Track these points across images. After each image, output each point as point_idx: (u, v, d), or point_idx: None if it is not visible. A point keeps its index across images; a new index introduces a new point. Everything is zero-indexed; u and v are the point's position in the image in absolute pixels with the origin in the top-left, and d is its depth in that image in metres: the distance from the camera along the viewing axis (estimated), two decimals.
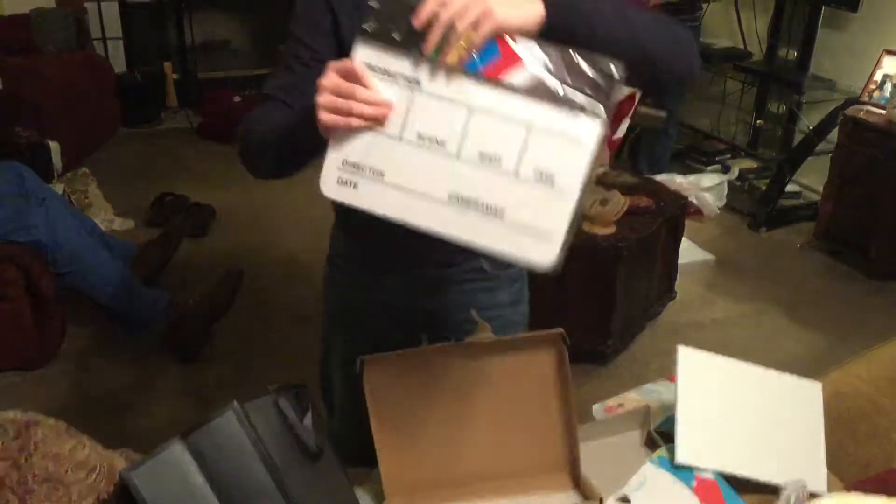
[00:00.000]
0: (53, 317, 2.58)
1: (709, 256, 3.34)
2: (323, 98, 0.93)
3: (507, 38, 0.94)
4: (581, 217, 0.97)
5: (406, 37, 0.95)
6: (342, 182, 0.99)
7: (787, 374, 1.26)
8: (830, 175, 3.35)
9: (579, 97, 0.94)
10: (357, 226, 1.34)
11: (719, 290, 3.15)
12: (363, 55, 0.96)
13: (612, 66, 0.93)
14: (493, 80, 0.95)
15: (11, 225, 2.49)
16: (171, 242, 3.06)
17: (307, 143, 1.03)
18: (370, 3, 0.94)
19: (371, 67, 0.96)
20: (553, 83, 0.94)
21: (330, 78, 0.94)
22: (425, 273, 1.33)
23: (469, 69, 0.95)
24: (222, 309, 2.76)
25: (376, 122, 0.95)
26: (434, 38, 0.92)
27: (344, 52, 1.04)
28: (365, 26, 0.95)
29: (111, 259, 2.67)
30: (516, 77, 0.95)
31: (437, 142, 0.97)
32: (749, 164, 4.06)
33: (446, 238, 0.98)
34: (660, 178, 3.62)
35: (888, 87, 3.23)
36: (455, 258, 1.33)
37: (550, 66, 0.94)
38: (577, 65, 0.94)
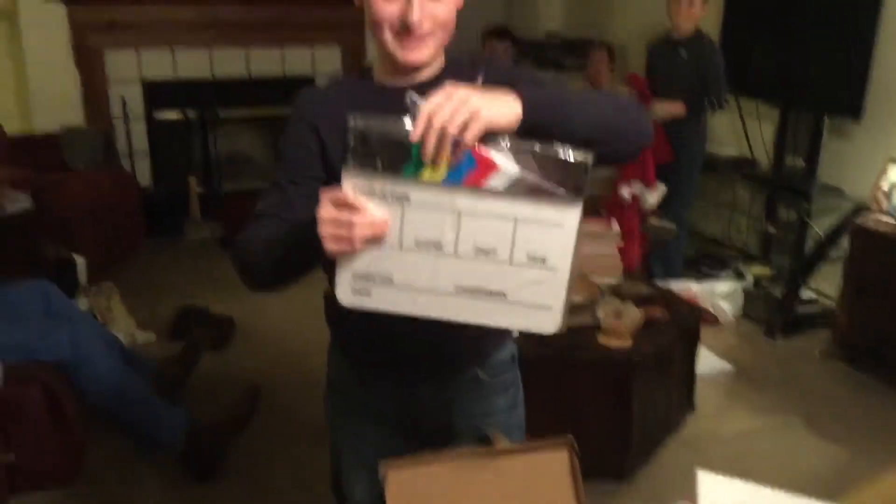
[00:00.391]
0: (76, 437, 2.59)
1: (727, 366, 3.34)
2: (324, 230, 1.03)
3: (480, 148, 1.03)
4: (575, 282, 1.08)
5: (387, 160, 1.03)
6: (356, 291, 1.11)
7: (812, 501, 1.25)
8: (844, 284, 3.37)
9: (556, 188, 1.03)
10: (354, 345, 1.43)
11: (739, 400, 3.13)
12: (352, 182, 1.04)
13: (581, 154, 1.03)
14: (475, 187, 1.04)
15: (36, 344, 2.54)
16: (190, 359, 3.09)
17: (305, 259, 1.17)
18: (350, 126, 1.02)
19: (361, 191, 1.05)
20: (530, 180, 1.03)
21: (327, 210, 1.03)
22: (423, 387, 1.39)
23: (451, 180, 1.04)
24: (240, 426, 2.77)
25: (377, 240, 1.05)
26: (429, 145, 1.00)
27: (330, 168, 1.24)
28: (348, 155, 1.03)
29: (133, 378, 2.69)
30: (495, 181, 1.03)
31: (434, 245, 1.07)
32: (762, 270, 4.09)
33: (460, 322, 1.10)
34: (674, 285, 3.66)
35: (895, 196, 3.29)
36: (451, 371, 1.39)
37: (524, 163, 1.03)
38: (548, 157, 1.03)
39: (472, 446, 1.30)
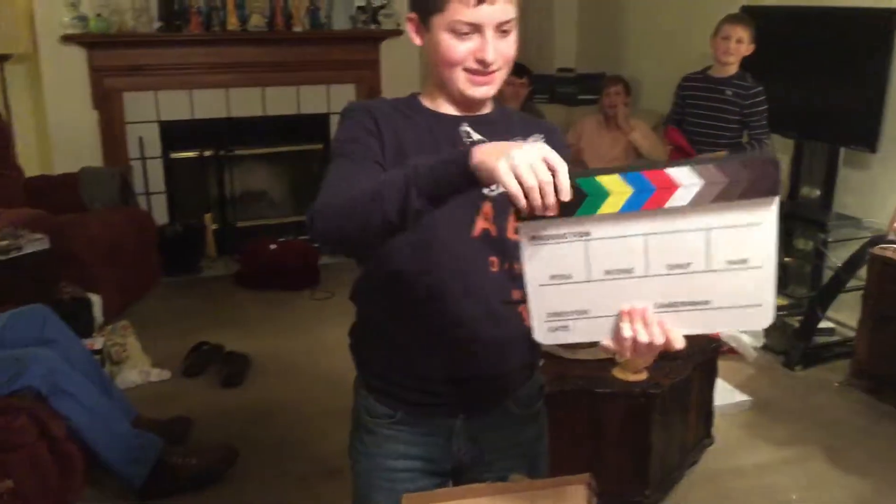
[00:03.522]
0: (72, 456, 2.57)
1: (745, 398, 3.30)
2: (510, 167, 0.97)
3: (651, 170, 1.00)
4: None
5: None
6: (553, 329, 1.10)
7: None
8: (863, 314, 3.34)
9: (748, 191, 0.98)
10: (384, 383, 1.40)
11: (758, 433, 3.09)
12: (529, 230, 1.04)
13: (766, 151, 1.00)
14: (655, 210, 1.01)
15: (12, 373, 2.55)
16: (173, 432, 2.99)
17: (440, 196, 1.06)
18: None
19: (539, 238, 1.05)
20: (718, 189, 0.98)
21: (524, 152, 0.97)
22: (455, 423, 1.38)
23: (629, 208, 1.01)
24: (207, 480, 2.75)
25: (546, 210, 0.99)
26: (535, 201, 0.97)
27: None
28: (520, 215, 1.02)
29: (109, 408, 2.70)
30: (677, 199, 1.00)
31: (624, 271, 1.05)
32: (780, 301, 4.06)
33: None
34: None
35: None
36: (484, 407, 1.39)
37: (707, 175, 0.99)
38: (734, 163, 0.98)
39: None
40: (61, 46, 4.57)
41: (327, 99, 5.21)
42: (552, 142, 1.28)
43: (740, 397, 3.30)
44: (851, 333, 3.58)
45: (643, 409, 2.48)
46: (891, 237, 3.33)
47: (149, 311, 4.25)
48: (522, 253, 1.07)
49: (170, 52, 4.78)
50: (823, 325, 3.71)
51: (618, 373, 2.54)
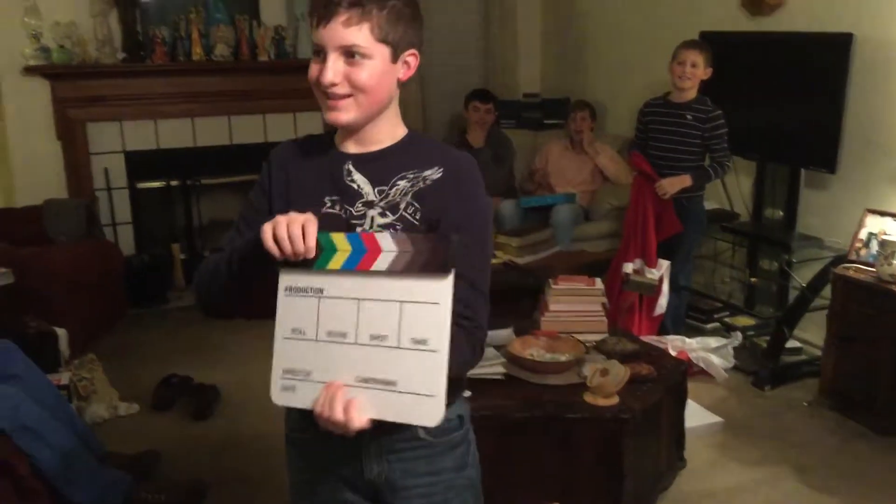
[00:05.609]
0: (38, 495, 2.51)
1: (716, 419, 3.32)
2: (266, 234, 1.19)
3: (369, 233, 1.18)
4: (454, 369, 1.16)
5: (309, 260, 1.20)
6: (284, 388, 1.22)
7: None
8: (829, 333, 3.38)
9: (427, 264, 1.12)
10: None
11: (730, 454, 3.11)
12: (285, 281, 1.22)
13: (448, 235, 1.15)
14: (365, 270, 1.16)
15: None
16: (142, 467, 2.95)
17: (245, 274, 1.30)
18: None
19: (290, 289, 1.22)
20: (406, 258, 1.13)
21: (287, 216, 1.19)
22: (362, 442, 1.38)
23: (348, 266, 1.17)
24: None
25: (289, 256, 1.19)
26: (285, 249, 1.18)
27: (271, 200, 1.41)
28: (279, 262, 1.21)
29: (75, 444, 2.65)
30: (380, 263, 1.15)
31: (340, 334, 1.17)
32: (747, 321, 4.11)
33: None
34: (669, 339, 3.67)
35: (874, 244, 3.32)
36: (390, 428, 1.36)
37: (401, 244, 1.15)
38: (418, 236, 1.15)
39: None
40: (23, 78, 4.53)
41: (294, 127, 5.21)
42: (456, 173, 1.34)
43: (712, 418, 3.32)
44: (818, 352, 3.63)
45: (615, 434, 2.49)
46: (852, 257, 3.39)
47: (116, 343, 4.19)
48: (279, 305, 1.23)
49: (134, 82, 4.76)
50: (791, 344, 3.76)
51: (588, 398, 2.55)
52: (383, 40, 1.30)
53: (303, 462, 1.48)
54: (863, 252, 3.37)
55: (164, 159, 4.97)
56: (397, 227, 1.31)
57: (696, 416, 3.22)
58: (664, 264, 3.79)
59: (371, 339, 1.15)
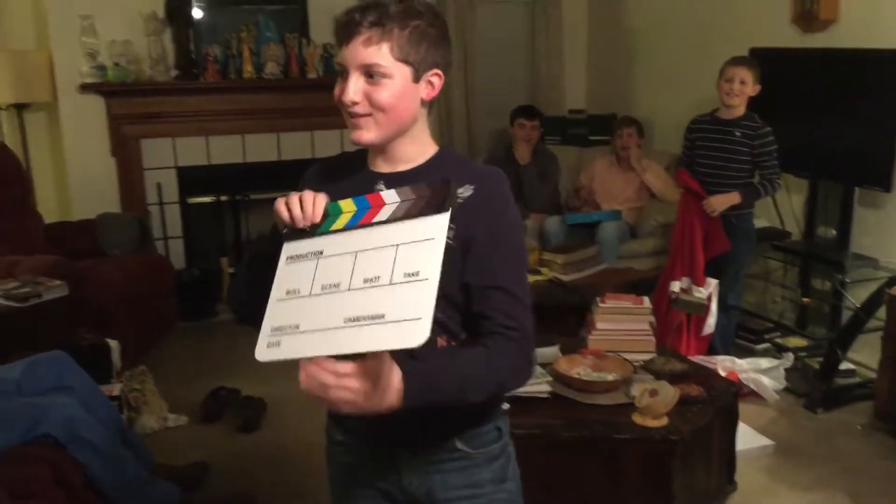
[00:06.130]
0: None
1: (767, 442, 3.26)
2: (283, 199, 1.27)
3: (377, 193, 1.21)
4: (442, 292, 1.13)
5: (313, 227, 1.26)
6: (270, 345, 1.20)
7: None
8: (883, 355, 3.30)
9: (427, 207, 1.15)
10: (334, 415, 1.50)
11: (781, 478, 3.04)
12: (288, 250, 1.26)
13: (443, 180, 1.17)
14: (367, 224, 1.20)
15: (31, 421, 2.55)
16: (191, 478, 2.99)
17: (265, 253, 1.34)
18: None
19: (291, 257, 1.25)
20: (406, 205, 1.17)
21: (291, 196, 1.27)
22: (401, 454, 1.40)
23: (351, 224, 1.21)
24: None
25: (297, 220, 1.26)
26: (295, 213, 1.25)
27: None
28: (284, 231, 1.27)
29: (127, 456, 2.70)
30: (382, 215, 1.19)
31: (333, 285, 1.18)
32: (799, 342, 4.03)
33: (343, 354, 1.13)
34: (719, 359, 3.62)
35: None
36: (428, 439, 1.40)
37: (403, 194, 1.18)
38: (420, 185, 1.18)
39: None
40: (80, 95, 4.65)
41: (341, 142, 5.27)
42: (487, 190, 1.34)
43: (763, 441, 3.26)
44: (872, 374, 3.54)
45: (663, 456, 2.46)
46: None
47: (166, 355, 4.26)
48: (277, 275, 1.25)
49: (187, 99, 4.85)
50: (844, 366, 3.68)
51: (637, 418, 2.52)
52: (404, 60, 1.30)
53: (343, 474, 1.50)
54: None
55: (215, 175, 5.06)
56: None
57: (746, 438, 3.16)
58: (712, 283, 3.74)
59: (364, 283, 1.15)
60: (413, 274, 1.11)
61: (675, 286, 3.77)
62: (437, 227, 1.13)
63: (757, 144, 3.75)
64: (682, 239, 3.87)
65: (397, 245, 1.14)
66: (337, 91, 1.33)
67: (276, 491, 2.98)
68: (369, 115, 1.32)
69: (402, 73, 1.31)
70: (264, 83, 4.90)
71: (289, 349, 1.17)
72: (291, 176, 5.13)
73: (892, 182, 3.60)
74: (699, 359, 3.48)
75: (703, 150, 3.91)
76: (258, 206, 5.31)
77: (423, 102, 1.36)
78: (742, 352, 4.00)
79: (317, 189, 1.39)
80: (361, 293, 1.14)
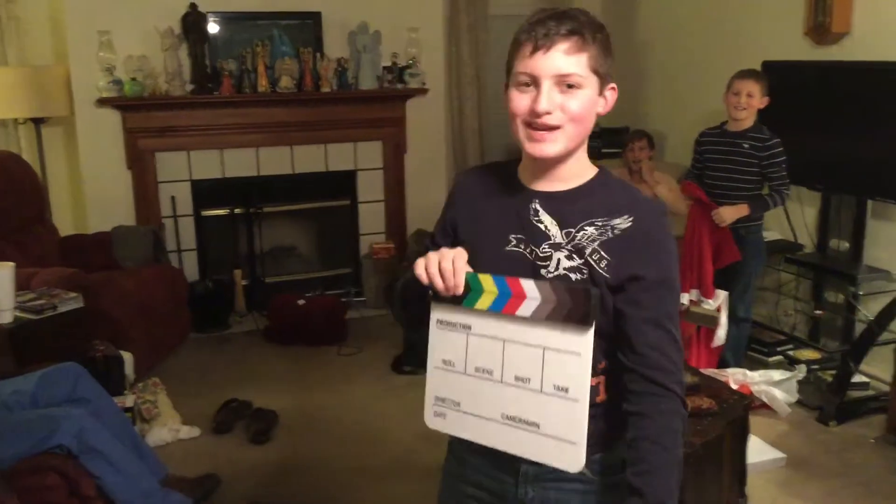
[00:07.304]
0: None
1: (779, 455, 3.24)
2: (423, 262, 1.28)
3: (517, 279, 1.22)
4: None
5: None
6: (437, 414, 1.31)
7: None
8: None
9: (569, 315, 1.17)
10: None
11: (793, 491, 3.03)
12: (437, 313, 1.30)
13: (584, 283, 1.22)
14: (510, 314, 1.22)
15: (44, 432, 2.58)
16: (202, 490, 3.00)
17: (413, 292, 1.35)
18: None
19: (440, 322, 1.30)
20: (549, 307, 1.18)
21: (438, 252, 1.28)
22: (521, 468, 1.37)
23: (494, 308, 1.23)
24: None
25: (439, 289, 1.26)
26: (437, 284, 1.25)
27: (459, 242, 1.40)
28: (431, 293, 1.28)
29: (140, 468, 2.72)
30: (524, 309, 1.20)
31: (486, 371, 1.25)
32: (811, 354, 4.01)
33: (507, 452, 1.24)
34: (731, 372, 3.60)
35: None
36: None
37: (544, 292, 1.19)
38: (561, 285, 1.20)
39: None
40: (97, 109, 4.70)
41: (354, 156, 5.30)
42: (645, 224, 1.29)
43: (775, 454, 3.24)
44: (886, 387, 3.53)
45: None
46: None
47: (179, 367, 4.29)
48: (431, 337, 1.31)
49: (201, 113, 4.90)
50: (857, 379, 3.66)
51: None
52: (595, 71, 1.29)
53: (457, 473, 1.47)
54: None
55: (229, 188, 5.10)
56: (584, 270, 1.28)
57: (758, 451, 3.15)
58: (721, 295, 3.73)
59: (515, 380, 1.21)
60: (563, 389, 1.17)
61: (685, 298, 3.76)
62: (583, 343, 1.16)
63: (765, 156, 3.74)
64: (690, 251, 3.86)
65: (544, 348, 1.19)
66: (522, 101, 1.28)
67: (286, 502, 2.99)
68: (558, 126, 1.28)
69: (592, 84, 1.29)
70: (278, 97, 4.94)
71: (454, 426, 1.29)
72: (304, 188, 5.18)
73: None
74: (710, 371, 3.47)
75: (712, 162, 3.91)
76: (271, 218, 5.35)
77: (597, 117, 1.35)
78: (754, 364, 3.98)
79: (471, 198, 1.42)
80: (515, 391, 1.22)
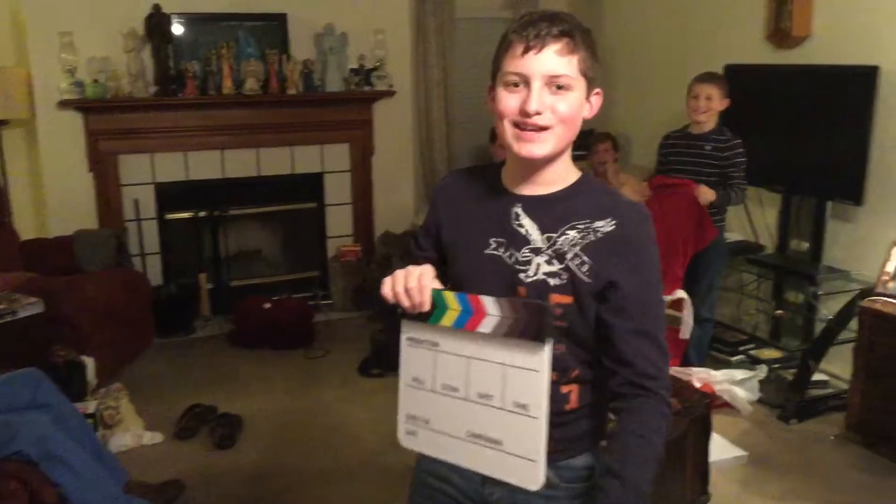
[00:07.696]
0: None
1: (741, 452, 3.28)
2: (390, 281, 1.28)
3: (476, 296, 1.22)
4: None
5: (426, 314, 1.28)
6: (408, 433, 1.32)
7: None
8: (855, 367, 3.35)
9: (524, 332, 1.17)
10: None
11: (755, 488, 3.07)
12: (406, 330, 1.30)
13: (539, 300, 1.22)
14: (472, 331, 1.22)
15: (4, 438, 2.54)
16: (165, 496, 2.97)
17: (385, 307, 1.33)
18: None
19: (410, 339, 1.30)
20: (506, 324, 1.19)
21: (405, 270, 1.28)
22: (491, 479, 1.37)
23: (457, 325, 1.23)
24: None
25: (406, 307, 1.27)
26: (403, 302, 1.26)
27: (442, 246, 1.44)
28: (399, 311, 1.29)
29: (101, 474, 2.69)
30: (484, 326, 1.21)
31: (452, 388, 1.26)
32: (773, 353, 4.07)
33: (474, 471, 1.26)
34: (694, 371, 3.63)
35: None
36: None
37: (503, 309, 1.19)
38: (515, 302, 1.20)
39: None
40: (58, 111, 4.63)
41: (321, 158, 5.28)
42: (627, 227, 1.29)
43: (737, 452, 3.28)
44: (845, 386, 3.58)
45: None
46: (880, 290, 3.35)
47: (142, 372, 4.24)
48: (402, 354, 1.31)
49: (165, 115, 4.85)
50: (817, 377, 3.72)
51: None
52: (584, 74, 1.29)
53: (426, 467, 1.47)
54: (890, 285, 3.34)
55: (193, 191, 5.05)
56: (563, 276, 1.28)
57: (720, 449, 3.19)
58: (678, 292, 3.74)
59: (479, 398, 1.22)
60: (522, 406, 1.18)
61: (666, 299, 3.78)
62: (539, 360, 1.16)
63: (725, 156, 3.78)
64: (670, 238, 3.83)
65: (504, 365, 1.20)
66: (510, 101, 1.28)
67: None
68: (547, 127, 1.27)
69: (581, 86, 1.29)
70: (243, 99, 4.91)
71: (425, 444, 1.31)
72: (270, 191, 5.15)
73: (864, 196, 3.65)
74: (674, 370, 3.50)
75: (676, 164, 3.95)
76: (237, 221, 5.31)
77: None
78: (717, 364, 4.03)
79: (453, 202, 1.42)
80: (479, 408, 1.23)
